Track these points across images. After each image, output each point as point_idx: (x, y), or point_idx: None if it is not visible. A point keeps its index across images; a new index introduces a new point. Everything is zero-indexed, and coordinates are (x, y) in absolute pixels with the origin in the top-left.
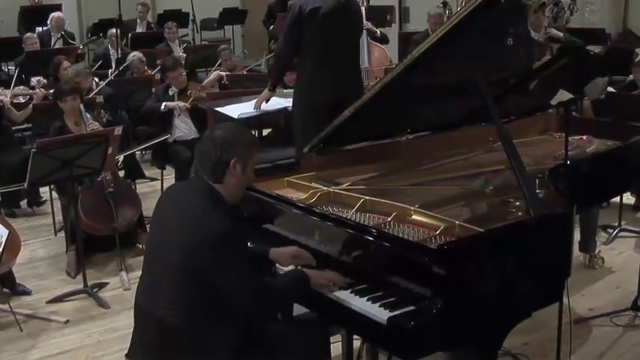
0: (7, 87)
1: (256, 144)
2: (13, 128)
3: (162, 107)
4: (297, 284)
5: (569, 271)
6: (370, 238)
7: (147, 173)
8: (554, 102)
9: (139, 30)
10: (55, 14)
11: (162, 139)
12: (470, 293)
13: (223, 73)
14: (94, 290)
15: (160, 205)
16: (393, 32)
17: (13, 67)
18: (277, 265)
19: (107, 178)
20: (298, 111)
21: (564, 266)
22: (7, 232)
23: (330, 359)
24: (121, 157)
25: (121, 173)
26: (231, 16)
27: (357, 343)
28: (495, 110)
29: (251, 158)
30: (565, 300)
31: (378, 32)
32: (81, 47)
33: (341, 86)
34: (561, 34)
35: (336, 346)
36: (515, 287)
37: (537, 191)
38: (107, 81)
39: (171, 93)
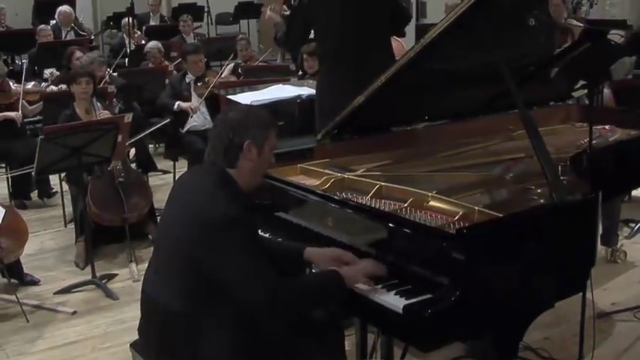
0: (19, 79)
1: (273, 125)
2: (26, 120)
3: (175, 107)
4: (327, 285)
5: (594, 260)
6: (386, 224)
7: (159, 166)
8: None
9: (152, 23)
10: (61, 8)
11: (164, 123)
12: (490, 280)
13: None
14: (103, 281)
15: (172, 191)
16: (409, 27)
17: (27, 61)
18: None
19: (117, 167)
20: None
21: (589, 254)
22: (4, 211)
23: (345, 354)
24: (133, 150)
25: (134, 167)
26: (246, 10)
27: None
28: (519, 94)
29: (267, 141)
30: (588, 293)
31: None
32: (92, 38)
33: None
34: (581, 25)
35: (349, 340)
36: (538, 275)
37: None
38: (113, 65)
39: (187, 80)
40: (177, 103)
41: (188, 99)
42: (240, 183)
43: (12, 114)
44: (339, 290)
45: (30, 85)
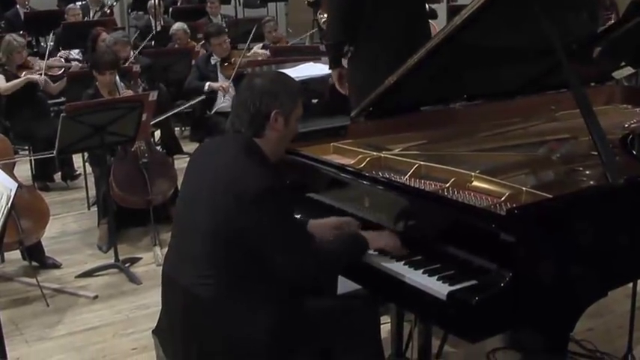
0: (44, 58)
1: (300, 92)
2: (50, 102)
3: (206, 88)
4: (353, 247)
5: None
6: (428, 205)
7: (185, 149)
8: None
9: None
10: None
11: (197, 101)
12: (542, 265)
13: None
14: (126, 265)
15: (191, 163)
16: (441, 8)
17: (52, 42)
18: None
19: (141, 148)
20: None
21: None
22: (16, 185)
23: (380, 342)
24: (158, 132)
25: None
26: None
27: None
28: (572, 71)
29: (294, 109)
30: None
31: (427, 7)
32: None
33: None
34: None
35: (384, 327)
36: (593, 259)
37: None
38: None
39: (213, 62)
40: (207, 84)
41: (215, 80)
42: (266, 152)
43: (35, 76)
44: (363, 247)
45: (53, 59)
